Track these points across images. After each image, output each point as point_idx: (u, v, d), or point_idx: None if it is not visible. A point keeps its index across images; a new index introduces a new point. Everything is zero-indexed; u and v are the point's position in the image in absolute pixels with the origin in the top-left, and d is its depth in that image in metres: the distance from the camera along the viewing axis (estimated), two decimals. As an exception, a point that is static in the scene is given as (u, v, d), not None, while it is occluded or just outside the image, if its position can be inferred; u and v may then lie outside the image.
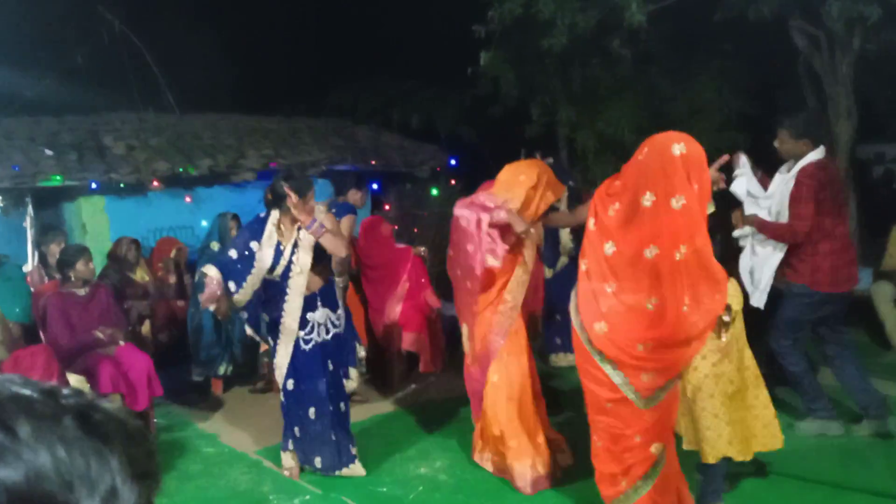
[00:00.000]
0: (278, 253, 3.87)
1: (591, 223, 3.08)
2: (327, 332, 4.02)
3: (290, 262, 3.87)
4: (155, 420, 4.86)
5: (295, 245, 3.88)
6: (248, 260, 3.85)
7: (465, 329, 4.06)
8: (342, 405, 4.09)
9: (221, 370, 5.54)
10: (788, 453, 3.97)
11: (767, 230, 4.14)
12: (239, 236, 4.11)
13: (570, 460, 3.91)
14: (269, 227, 3.90)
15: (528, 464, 3.72)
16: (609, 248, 2.98)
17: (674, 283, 2.83)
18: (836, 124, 7.41)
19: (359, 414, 5.03)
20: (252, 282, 3.85)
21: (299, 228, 3.88)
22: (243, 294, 3.86)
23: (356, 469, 4.03)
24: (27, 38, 9.69)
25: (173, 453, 4.45)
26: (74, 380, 4.02)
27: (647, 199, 2.86)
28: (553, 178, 3.85)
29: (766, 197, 4.17)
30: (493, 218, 3.66)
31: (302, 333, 3.95)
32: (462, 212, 3.82)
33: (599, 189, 3.15)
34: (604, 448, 3.08)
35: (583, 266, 3.09)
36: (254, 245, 3.86)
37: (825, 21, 6.89)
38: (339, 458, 4.00)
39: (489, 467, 3.94)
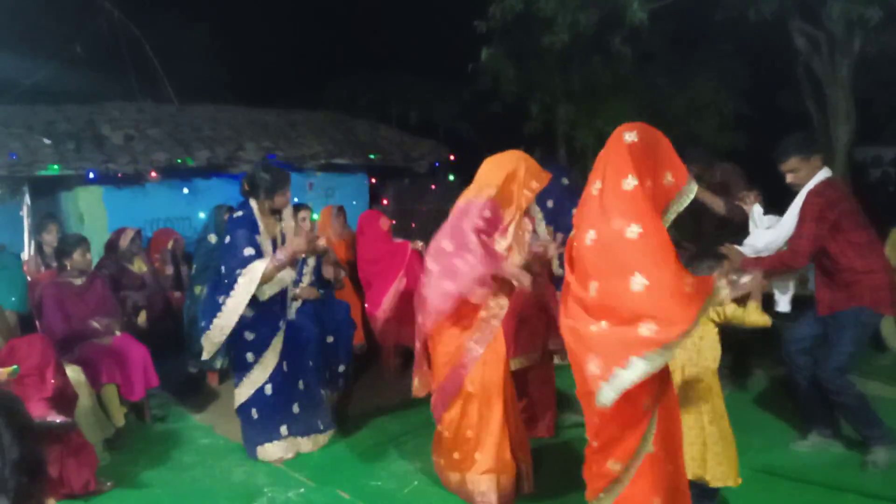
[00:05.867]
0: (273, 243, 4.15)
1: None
2: None
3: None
4: (150, 411, 4.88)
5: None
6: (259, 253, 3.97)
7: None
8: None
9: (218, 364, 5.53)
10: (782, 454, 4.00)
11: (764, 264, 3.73)
12: (239, 234, 3.97)
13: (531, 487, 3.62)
14: (261, 219, 4.11)
15: (493, 479, 3.46)
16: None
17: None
18: (834, 127, 7.42)
19: (354, 408, 5.05)
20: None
21: (280, 219, 4.22)
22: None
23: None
24: (26, 25, 9.65)
25: (168, 444, 4.46)
26: (70, 370, 4.01)
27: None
28: (535, 167, 3.48)
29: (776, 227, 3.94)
30: (498, 272, 3.35)
31: None
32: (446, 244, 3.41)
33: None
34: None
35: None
36: (257, 238, 4.03)
37: (825, 22, 6.90)
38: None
39: (448, 485, 3.65)
